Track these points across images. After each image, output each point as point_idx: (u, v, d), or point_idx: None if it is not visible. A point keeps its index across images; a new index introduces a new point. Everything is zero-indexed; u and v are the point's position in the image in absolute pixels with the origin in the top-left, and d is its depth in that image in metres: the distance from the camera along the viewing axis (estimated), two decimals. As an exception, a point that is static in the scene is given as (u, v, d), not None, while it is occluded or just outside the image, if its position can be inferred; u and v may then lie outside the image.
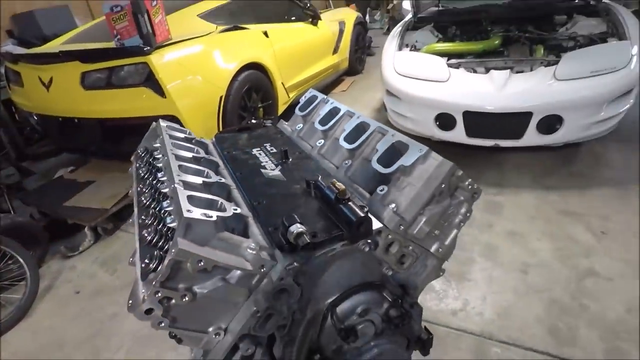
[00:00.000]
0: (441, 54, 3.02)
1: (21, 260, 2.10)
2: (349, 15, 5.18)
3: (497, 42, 3.08)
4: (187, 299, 0.52)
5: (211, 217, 0.53)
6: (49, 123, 3.03)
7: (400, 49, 3.21)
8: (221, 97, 2.71)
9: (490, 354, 1.54)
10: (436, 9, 3.75)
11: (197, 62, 2.63)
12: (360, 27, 5.38)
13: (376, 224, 0.61)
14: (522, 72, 2.67)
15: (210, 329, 0.57)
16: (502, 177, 2.70)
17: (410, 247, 0.66)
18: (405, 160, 0.64)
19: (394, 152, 0.68)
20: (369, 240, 0.60)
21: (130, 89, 2.44)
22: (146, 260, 0.57)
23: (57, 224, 2.60)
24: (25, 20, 4.37)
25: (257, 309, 0.56)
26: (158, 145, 0.89)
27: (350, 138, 0.78)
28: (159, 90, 2.40)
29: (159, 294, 0.51)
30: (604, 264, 1.89)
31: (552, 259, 1.96)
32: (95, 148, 2.89)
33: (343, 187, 0.60)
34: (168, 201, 0.64)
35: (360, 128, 0.78)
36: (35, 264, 2.20)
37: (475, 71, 2.79)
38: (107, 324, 1.91)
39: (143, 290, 0.53)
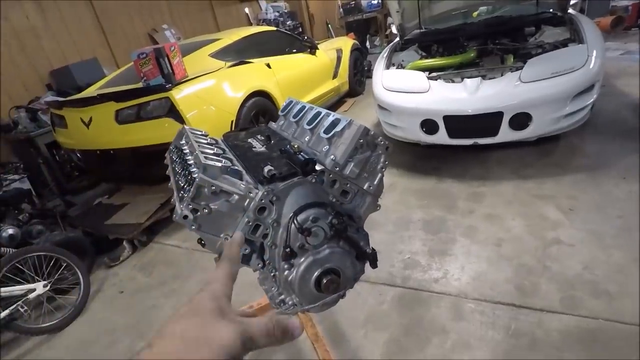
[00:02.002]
0: (424, 69, 3.41)
1: (75, 268, 2.52)
2: (346, 43, 5.69)
3: (472, 54, 3.45)
4: (206, 211, 0.89)
5: (218, 164, 0.91)
6: (90, 157, 3.54)
7: (388, 67, 3.62)
8: (232, 122, 3.16)
9: (465, 309, 1.82)
10: (419, 31, 4.19)
11: (210, 94, 3.10)
12: (357, 53, 5.87)
13: (321, 168, 0.98)
14: (493, 78, 3.02)
15: (222, 235, 0.93)
16: (485, 172, 3.00)
17: (348, 185, 1.02)
18: (338, 127, 1.01)
19: (332, 126, 1.05)
20: (315, 175, 0.97)
21: (156, 120, 2.90)
22: (181, 193, 0.95)
23: (101, 240, 3.03)
24: (62, 74, 5.02)
25: (248, 220, 0.92)
26: (183, 141, 1.29)
27: (310, 122, 1.16)
28: (179, 119, 2.86)
29: (190, 206, 0.88)
30: (569, 234, 2.16)
31: (523, 233, 2.24)
32: (128, 174, 3.36)
33: (296, 145, 0.97)
34: (193, 165, 1.02)
35: (315, 115, 1.16)
36: (87, 271, 2.61)
37: (453, 81, 3.15)
38: (148, 313, 2.28)
39: (181, 205, 0.90)
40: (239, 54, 3.74)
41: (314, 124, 1.17)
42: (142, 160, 3.14)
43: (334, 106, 5.44)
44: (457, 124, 2.90)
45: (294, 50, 4.57)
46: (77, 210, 3.91)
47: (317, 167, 1.01)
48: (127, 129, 2.97)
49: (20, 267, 2.33)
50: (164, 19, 6.19)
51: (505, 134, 2.81)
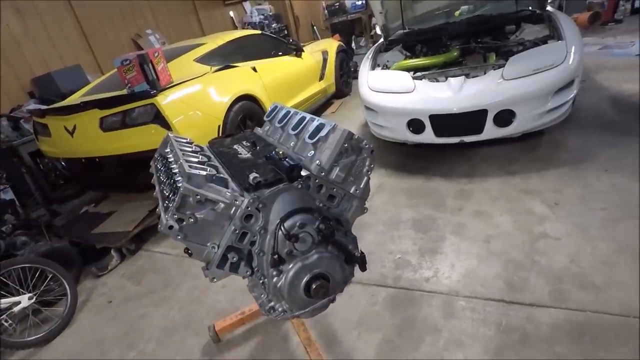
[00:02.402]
0: (409, 69, 3.43)
1: (62, 278, 2.47)
2: (331, 44, 5.70)
3: (455, 53, 3.49)
4: (192, 220, 0.88)
5: (202, 172, 0.90)
6: (75, 165, 3.48)
7: (373, 68, 3.64)
8: (219, 126, 3.14)
9: (456, 307, 1.83)
10: (402, 31, 4.22)
11: (196, 99, 3.08)
12: (343, 54, 5.89)
13: (307, 173, 0.98)
14: (477, 76, 3.05)
15: (209, 244, 0.93)
16: (471, 169, 3.03)
17: (335, 189, 1.02)
18: (322, 132, 1.01)
19: (317, 131, 1.05)
20: (301, 181, 0.97)
21: (141, 127, 2.86)
22: (166, 202, 0.94)
23: (88, 250, 2.97)
24: (44, 81, 4.93)
25: (235, 228, 0.92)
26: (168, 149, 1.28)
27: (295, 128, 1.16)
28: (166, 125, 2.83)
29: (175, 216, 0.87)
30: (555, 227, 2.19)
31: (511, 229, 2.27)
32: (115, 182, 3.31)
33: (282, 151, 0.97)
34: (177, 174, 1.01)
35: (300, 121, 1.16)
36: (74, 281, 2.57)
37: (437, 80, 3.18)
38: (138, 322, 2.25)
39: (166, 216, 0.89)
40: (225, 58, 3.72)
41: (298, 129, 1.17)
42: (129, 167, 3.10)
43: (321, 108, 5.45)
44: (443, 122, 2.93)
45: (280, 53, 4.57)
46: (63, 219, 3.84)
47: (303, 173, 1.01)
48: (113, 137, 2.93)
49: (4, 280, 2.28)
50: (148, 23, 6.12)
51: (490, 131, 2.85)
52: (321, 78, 5.16)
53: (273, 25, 8.26)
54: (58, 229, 3.35)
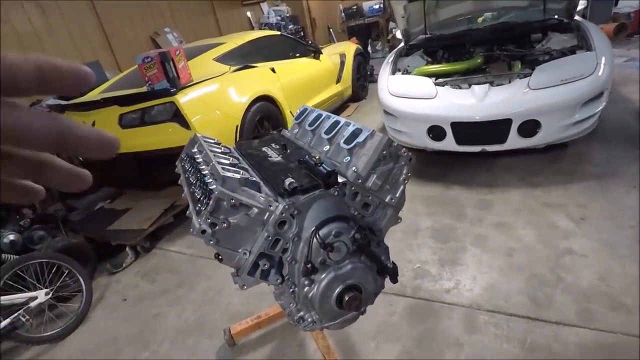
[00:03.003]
0: (430, 74, 3.38)
1: (78, 275, 2.47)
2: (349, 47, 5.67)
3: (479, 60, 3.43)
4: (225, 225, 0.85)
5: (236, 175, 0.87)
6: (92, 161, 3.49)
7: (393, 73, 3.59)
8: (237, 127, 3.13)
9: (478, 321, 1.78)
10: (424, 36, 4.17)
11: (215, 98, 3.07)
12: (361, 58, 5.85)
13: (343, 180, 0.94)
14: (501, 85, 2.99)
15: (240, 250, 0.90)
16: (492, 179, 2.97)
17: (370, 197, 0.98)
18: (360, 138, 0.98)
19: (353, 136, 1.02)
20: (338, 188, 0.93)
21: (160, 125, 2.86)
22: (198, 205, 0.91)
23: (102, 246, 2.98)
24: (64, 77, 4.98)
25: (268, 234, 0.89)
26: (196, 150, 1.25)
27: (328, 132, 1.12)
28: (184, 124, 2.83)
29: (209, 220, 0.84)
30: (581, 244, 2.12)
31: (535, 243, 2.20)
32: (131, 179, 3.32)
33: (318, 156, 0.94)
34: (208, 176, 0.99)
35: (334, 125, 1.13)
36: (89, 278, 2.56)
37: (460, 87, 3.13)
38: (152, 322, 2.23)
39: (199, 220, 0.86)
40: (243, 58, 3.72)
41: (332, 133, 1.14)
42: (146, 165, 3.10)
43: (337, 111, 5.41)
44: (464, 130, 2.87)
45: (298, 55, 4.55)
46: (79, 215, 3.86)
47: (340, 179, 0.97)
48: (131, 134, 2.93)
49: (22, 274, 2.28)
50: (166, 22, 6.16)
51: (514, 141, 2.78)
52: (338, 81, 5.13)
53: (290, 27, 8.26)
54: (74, 224, 3.36)
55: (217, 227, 0.85)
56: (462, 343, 1.68)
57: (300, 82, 4.19)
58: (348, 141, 1.01)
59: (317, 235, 0.89)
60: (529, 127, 2.74)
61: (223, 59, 3.55)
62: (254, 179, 0.94)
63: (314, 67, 4.58)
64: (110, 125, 2.97)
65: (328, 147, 1.10)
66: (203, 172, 1.04)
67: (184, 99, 2.80)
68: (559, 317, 1.71)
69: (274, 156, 1.15)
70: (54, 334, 2.24)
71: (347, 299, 0.94)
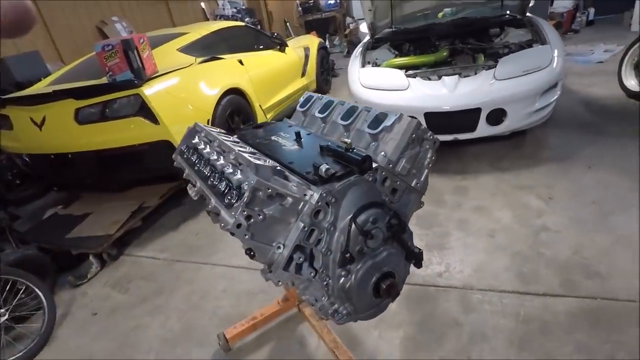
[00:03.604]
0: (400, 67, 3.44)
1: (36, 290, 2.19)
2: (313, 41, 5.63)
3: (445, 53, 3.55)
4: (260, 217, 0.79)
5: (267, 164, 0.81)
6: (40, 162, 3.15)
7: (363, 65, 3.61)
8: (208, 120, 2.98)
9: (473, 301, 1.84)
10: (390, 30, 4.24)
11: (183, 91, 2.89)
12: (324, 52, 5.84)
13: (373, 165, 0.91)
14: (468, 76, 3.11)
15: (274, 243, 0.84)
16: (464, 166, 3.09)
17: (398, 182, 0.96)
18: (387, 122, 0.95)
19: (377, 121, 0.99)
20: (371, 173, 0.90)
21: (124, 120, 2.63)
22: (227, 198, 0.83)
23: (60, 256, 2.69)
24: (-4, 68, 4.43)
25: (304, 225, 0.83)
26: (198, 140, 1.16)
27: (346, 118, 1.08)
28: (152, 118, 2.63)
29: (245, 212, 0.77)
30: (553, 221, 2.28)
31: (512, 223, 2.32)
32: (91, 181, 3.04)
33: (349, 140, 0.90)
34: (228, 166, 0.91)
35: (351, 110, 1.09)
36: (50, 292, 2.30)
37: (429, 79, 3.21)
38: (131, 335, 2.05)
39: (233, 213, 0.79)
40: (209, 49, 3.54)
41: (350, 119, 1.10)
42: (108, 164, 2.86)
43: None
44: (437, 120, 2.96)
45: (262, 47, 4.42)
46: (25, 223, 3.48)
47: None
48: (90, 130, 2.68)
49: (-30, 293, 2.00)
50: (113, 11, 5.72)
51: (483, 129, 2.91)
52: (303, 74, 5.08)
53: (246, 20, 8.04)
54: (22, 234, 3.02)
55: (253, 220, 0.78)
56: (461, 323, 1.73)
57: (268, 75, 4.08)
58: (373, 126, 0.98)
59: (355, 223, 0.85)
60: (496, 116, 2.88)
61: (187, 49, 3.36)
62: (279, 167, 0.88)
63: (280, 60, 4.49)
64: (64, 121, 2.70)
65: (347, 134, 1.06)
66: (220, 163, 0.96)
67: (150, 91, 2.60)
68: (546, 289, 1.82)
69: (289, 144, 1.09)
70: (16, 358, 1.99)
71: (384, 287, 0.92)
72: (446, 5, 4.23)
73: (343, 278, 0.90)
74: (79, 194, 3.38)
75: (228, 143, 0.96)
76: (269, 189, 0.78)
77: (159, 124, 2.64)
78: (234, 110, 3.30)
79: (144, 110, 2.62)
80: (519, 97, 2.83)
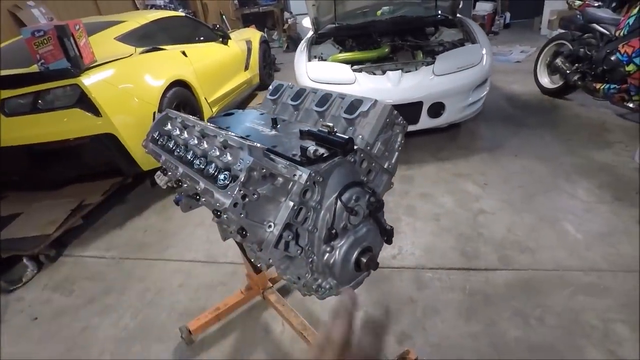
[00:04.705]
0: (345, 62, 3.57)
1: (-39, 298, 1.98)
2: (254, 34, 5.56)
3: (387, 50, 3.75)
4: (255, 196, 0.82)
5: (258, 145, 0.84)
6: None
7: (310, 60, 3.68)
8: (154, 113, 2.82)
9: (424, 279, 2.01)
10: (333, 25, 4.35)
11: (126, 81, 2.72)
12: (265, 45, 5.80)
13: (356, 147, 0.98)
14: (409, 71, 3.33)
15: (265, 222, 0.87)
16: (408, 157, 3.31)
17: (374, 164, 1.04)
18: (363, 107, 1.03)
19: (352, 107, 1.06)
20: (353, 155, 0.97)
21: (60, 112, 2.43)
22: (220, 179, 0.84)
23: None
24: None
25: (293, 204, 0.88)
26: (171, 127, 1.14)
27: (321, 104, 1.14)
28: (93, 110, 2.45)
29: (241, 192, 0.80)
30: (488, 204, 2.54)
31: (454, 207, 2.55)
32: (19, 178, 2.75)
33: (331, 124, 0.96)
34: (214, 150, 0.92)
35: (325, 97, 1.15)
36: (-22, 300, 2.07)
37: (374, 74, 3.38)
38: (80, 337, 1.93)
39: (229, 193, 0.81)
40: (148, 39, 3.36)
41: (325, 106, 1.15)
42: (40, 159, 2.61)
43: (246, 100, 5.28)
44: (383, 113, 3.12)
45: (203, 39, 4.29)
46: None
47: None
48: (19, 122, 2.43)
49: None
50: (30, -7, 5.12)
51: (425, 121, 3.15)
52: (246, 68, 5.01)
53: (180, 10, 7.67)
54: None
55: (247, 199, 0.81)
56: (416, 300, 1.88)
57: (212, 67, 3.98)
58: (349, 111, 1.05)
59: (341, 200, 0.91)
60: (436, 109, 3.13)
61: (125, 38, 3.15)
62: (267, 149, 0.91)
63: (224, 52, 4.39)
64: (-14, 113, 2.41)
65: (321, 119, 1.12)
66: (203, 147, 0.97)
67: (89, 80, 2.43)
68: (486, 265, 2.04)
69: (267, 130, 1.12)
70: (-58, 375, 1.77)
71: (364, 260, 0.99)
72: (384, 4, 4.44)
73: (327, 254, 0.96)
74: (4, 194, 3.03)
75: (212, 126, 0.97)
76: (263, 169, 0.81)
77: (100, 116, 2.47)
78: (180, 103, 3.18)
79: (83, 102, 2.44)
80: (455, 91, 3.10)
